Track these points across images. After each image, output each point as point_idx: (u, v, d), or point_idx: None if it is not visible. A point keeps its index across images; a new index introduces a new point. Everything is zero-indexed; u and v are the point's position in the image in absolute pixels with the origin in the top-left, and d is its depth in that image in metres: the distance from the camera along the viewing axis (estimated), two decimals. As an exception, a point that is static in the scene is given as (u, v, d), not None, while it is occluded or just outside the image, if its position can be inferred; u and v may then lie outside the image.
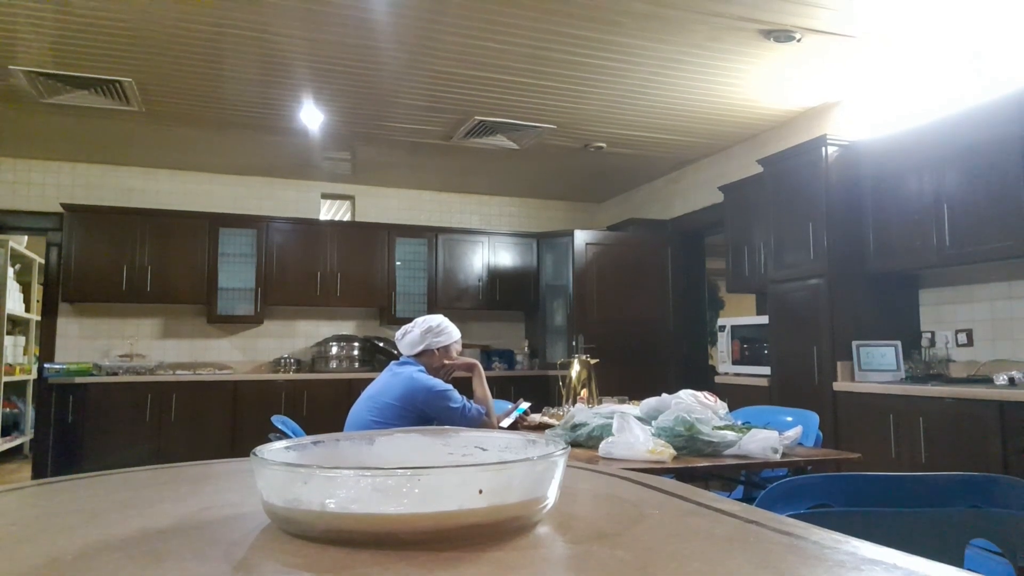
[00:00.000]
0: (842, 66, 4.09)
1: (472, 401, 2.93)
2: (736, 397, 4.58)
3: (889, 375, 3.91)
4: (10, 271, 6.13)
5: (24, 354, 6.71)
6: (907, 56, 3.94)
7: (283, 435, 2.86)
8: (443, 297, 6.49)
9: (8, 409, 6.49)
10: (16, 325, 6.67)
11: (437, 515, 0.57)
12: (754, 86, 4.39)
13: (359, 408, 2.92)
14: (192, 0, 3.34)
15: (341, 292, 6.25)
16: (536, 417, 3.26)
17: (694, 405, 2.43)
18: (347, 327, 6.61)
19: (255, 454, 0.64)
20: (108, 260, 5.66)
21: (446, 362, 3.01)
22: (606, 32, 3.67)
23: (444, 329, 3.00)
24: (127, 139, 5.42)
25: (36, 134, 5.30)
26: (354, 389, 5.34)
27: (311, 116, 4.84)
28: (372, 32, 3.65)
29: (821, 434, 2.69)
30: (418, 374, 2.89)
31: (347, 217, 7.03)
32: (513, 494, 0.59)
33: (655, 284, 6.40)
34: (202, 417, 5.53)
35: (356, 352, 6.24)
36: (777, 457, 2.14)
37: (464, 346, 3.23)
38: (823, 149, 4.16)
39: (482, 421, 2.87)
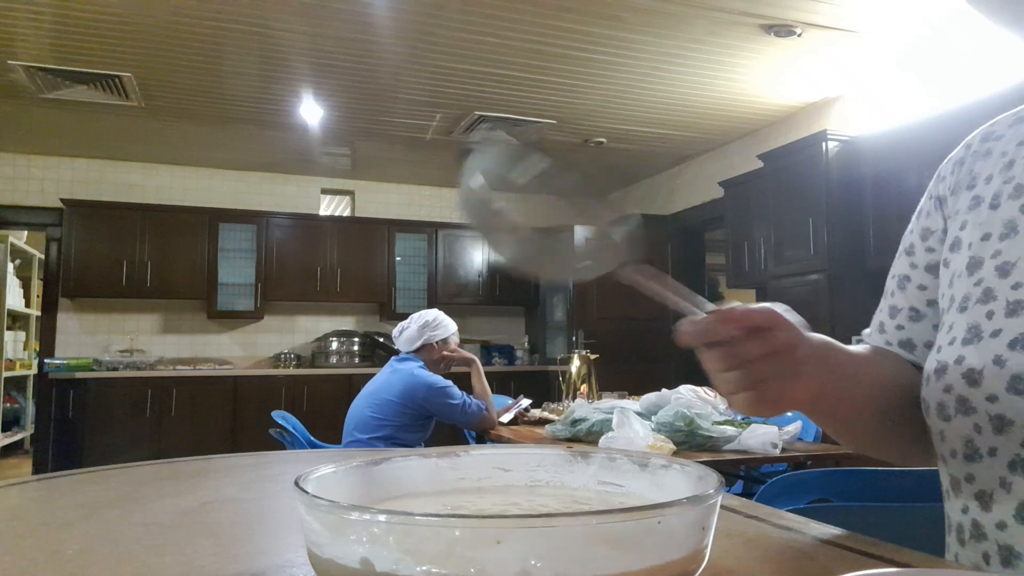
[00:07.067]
0: (843, 61, 4.08)
1: (472, 397, 2.93)
2: (736, 392, 4.57)
3: (889, 370, 3.90)
4: (10, 266, 6.13)
5: (24, 349, 6.71)
6: (908, 51, 3.94)
7: (283, 430, 2.87)
8: (443, 293, 6.49)
9: (8, 404, 6.50)
10: (16, 320, 6.67)
11: None
12: (754, 81, 4.38)
13: (359, 404, 2.93)
14: (191, -5, 3.33)
15: (341, 287, 6.24)
16: (536, 412, 3.26)
17: (694, 400, 2.44)
18: (347, 322, 6.61)
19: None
20: (108, 255, 5.65)
21: (445, 354, 3.02)
22: (606, 27, 3.66)
23: (441, 322, 3.01)
24: (127, 134, 5.41)
25: (36, 129, 5.29)
26: (354, 384, 5.34)
27: (311, 111, 4.83)
28: (372, 27, 3.64)
29: (821, 429, 2.69)
30: (419, 371, 2.90)
31: (347, 212, 7.03)
32: (665, 551, 0.40)
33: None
34: (202, 412, 5.53)
35: (356, 347, 6.24)
36: (777, 452, 2.15)
37: (463, 341, 3.24)
38: (823, 144, 4.15)
39: (482, 416, 2.88)
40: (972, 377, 0.58)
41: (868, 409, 0.71)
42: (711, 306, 0.56)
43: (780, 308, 0.58)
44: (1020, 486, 0.55)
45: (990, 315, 0.59)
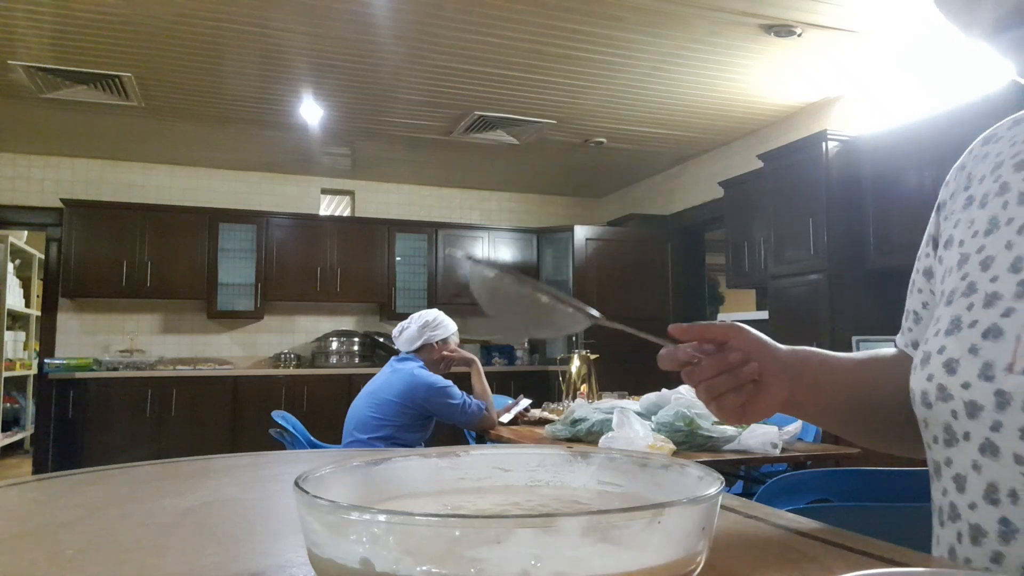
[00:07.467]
0: (843, 61, 4.08)
1: (472, 397, 2.93)
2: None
3: (889, 370, 3.90)
4: (10, 266, 6.13)
5: (24, 349, 6.71)
6: (908, 51, 3.94)
7: (283, 430, 2.87)
8: (443, 293, 6.49)
9: (8, 404, 6.50)
10: (16, 320, 6.67)
11: None
12: (755, 81, 4.38)
13: (359, 404, 2.93)
14: (191, -5, 3.33)
15: (341, 287, 6.24)
16: (536, 412, 3.26)
17: (694, 400, 2.43)
18: (347, 322, 6.61)
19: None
20: (108, 255, 5.65)
21: (445, 354, 3.02)
22: (606, 27, 3.66)
23: (441, 322, 3.01)
24: (127, 134, 5.41)
25: (36, 129, 5.29)
26: (354, 384, 5.34)
27: (311, 111, 4.83)
28: (372, 27, 3.64)
29: (821, 429, 2.69)
30: (418, 371, 2.90)
31: (347, 212, 7.03)
32: (664, 550, 0.39)
33: (655, 279, 6.39)
34: (202, 412, 5.53)
35: (356, 347, 6.24)
36: (776, 452, 2.15)
37: (464, 341, 3.23)
38: (823, 144, 4.15)
39: (482, 416, 2.88)
40: (951, 366, 0.61)
41: (844, 411, 0.79)
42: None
43: (744, 326, 0.71)
44: (988, 468, 0.58)
45: (970, 307, 0.62)
